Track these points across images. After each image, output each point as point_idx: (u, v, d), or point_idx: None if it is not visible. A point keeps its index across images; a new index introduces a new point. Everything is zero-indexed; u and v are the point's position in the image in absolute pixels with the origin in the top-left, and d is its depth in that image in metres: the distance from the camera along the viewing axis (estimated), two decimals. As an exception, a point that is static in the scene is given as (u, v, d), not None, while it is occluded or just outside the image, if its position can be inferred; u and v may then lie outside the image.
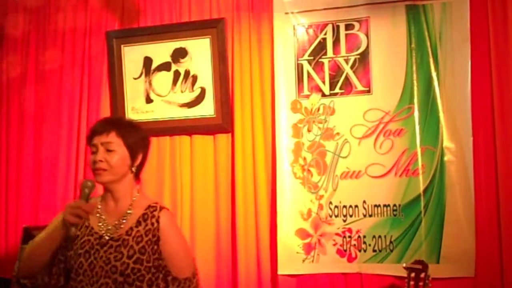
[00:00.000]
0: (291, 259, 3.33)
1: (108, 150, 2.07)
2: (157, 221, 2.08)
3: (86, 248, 2.06)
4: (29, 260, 2.07)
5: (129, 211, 2.11)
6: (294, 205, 3.37)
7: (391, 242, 3.21)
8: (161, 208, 2.13)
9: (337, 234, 3.31)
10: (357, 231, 3.28)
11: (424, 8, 3.26)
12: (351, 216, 3.29)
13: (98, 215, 2.12)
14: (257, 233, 3.41)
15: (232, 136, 3.54)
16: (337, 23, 3.40)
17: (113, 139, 2.08)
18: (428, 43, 3.24)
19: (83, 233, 2.10)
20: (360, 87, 3.35)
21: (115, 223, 2.10)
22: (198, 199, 3.58)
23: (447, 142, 3.17)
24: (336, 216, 3.31)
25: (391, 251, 3.20)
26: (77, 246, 2.07)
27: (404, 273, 2.84)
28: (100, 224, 2.10)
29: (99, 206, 2.13)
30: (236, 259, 3.43)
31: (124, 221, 2.09)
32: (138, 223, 2.08)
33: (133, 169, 2.12)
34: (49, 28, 3.93)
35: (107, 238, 2.07)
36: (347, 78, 3.37)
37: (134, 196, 2.14)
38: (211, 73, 3.58)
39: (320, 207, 3.34)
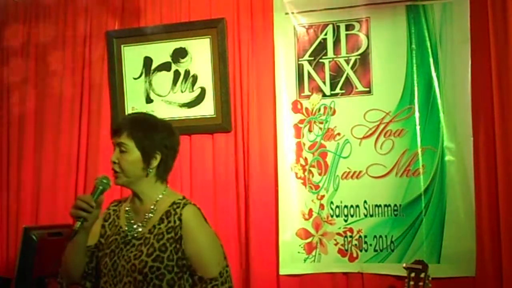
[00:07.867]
0: (293, 259, 3.35)
1: (122, 151, 2.02)
2: (179, 219, 1.99)
3: (112, 248, 2.04)
4: (65, 265, 2.08)
5: (152, 209, 2.05)
6: (295, 205, 3.38)
7: (392, 242, 3.23)
8: (185, 204, 2.04)
9: (338, 234, 3.32)
10: (358, 231, 3.29)
11: (424, 8, 3.27)
12: (352, 216, 3.31)
13: (126, 215, 2.10)
14: (259, 233, 3.41)
15: (235, 136, 3.54)
16: (338, 24, 3.41)
17: (125, 140, 2.02)
18: (428, 43, 3.25)
19: (113, 232, 2.09)
20: (360, 88, 3.35)
21: (140, 222, 2.05)
22: (198, 200, 3.56)
23: (447, 142, 3.19)
24: (337, 216, 3.33)
25: (392, 251, 3.22)
26: (105, 245, 2.07)
27: (405, 273, 2.85)
28: (127, 223, 2.08)
29: (128, 207, 2.11)
30: (238, 259, 3.43)
31: (148, 219, 2.04)
32: (161, 220, 2.02)
33: (150, 170, 2.03)
34: (49, 28, 3.91)
35: (130, 237, 2.04)
36: (347, 79, 3.38)
37: (160, 195, 2.07)
38: (211, 73, 3.58)
39: (321, 207, 3.35)
